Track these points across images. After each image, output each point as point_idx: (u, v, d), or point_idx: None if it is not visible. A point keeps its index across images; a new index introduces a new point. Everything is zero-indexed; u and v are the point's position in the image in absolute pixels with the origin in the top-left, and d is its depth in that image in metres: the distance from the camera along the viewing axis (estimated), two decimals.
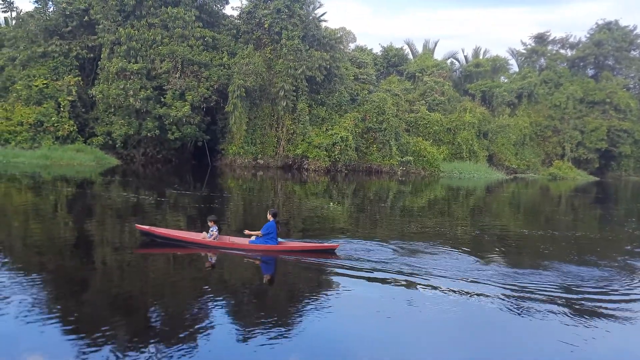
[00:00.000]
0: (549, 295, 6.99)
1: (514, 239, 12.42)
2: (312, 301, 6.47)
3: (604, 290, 7.47)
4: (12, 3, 36.76)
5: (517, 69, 56.00)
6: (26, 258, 8.02)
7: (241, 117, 33.37)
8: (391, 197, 22.92)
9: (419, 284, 7.33)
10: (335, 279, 7.60)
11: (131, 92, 30.93)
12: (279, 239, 9.11)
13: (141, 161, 33.49)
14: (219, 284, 7.31)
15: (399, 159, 36.91)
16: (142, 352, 4.65)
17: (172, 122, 31.85)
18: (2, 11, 37.34)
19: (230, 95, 32.74)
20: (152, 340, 4.95)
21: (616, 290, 7.50)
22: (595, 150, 50.54)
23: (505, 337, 5.81)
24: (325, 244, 9.28)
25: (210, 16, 36.44)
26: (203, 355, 4.69)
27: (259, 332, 5.30)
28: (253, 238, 9.04)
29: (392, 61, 50.76)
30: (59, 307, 5.74)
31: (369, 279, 7.53)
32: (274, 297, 6.96)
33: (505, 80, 53.45)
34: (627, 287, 7.71)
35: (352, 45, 48.45)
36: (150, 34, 32.39)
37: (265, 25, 34.64)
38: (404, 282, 7.38)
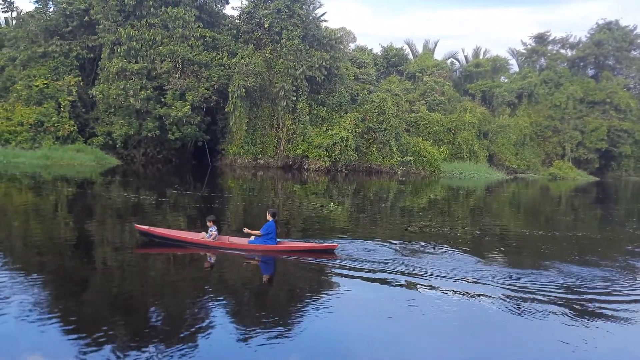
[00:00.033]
0: (549, 296, 6.99)
1: (514, 239, 12.41)
2: (312, 301, 6.47)
3: (606, 290, 7.46)
4: (13, 3, 36.80)
5: (517, 69, 56.02)
6: (27, 258, 8.02)
7: (241, 117, 33.37)
8: (391, 197, 22.91)
9: (420, 284, 7.33)
10: (335, 279, 7.60)
11: (131, 92, 30.93)
12: (278, 239, 9.11)
13: (141, 161, 33.50)
14: (219, 284, 7.31)
15: (399, 159, 36.91)
16: (143, 352, 4.65)
17: (173, 122, 31.86)
18: (3, 11, 37.41)
19: (230, 95, 32.74)
20: (152, 340, 4.95)
21: (617, 291, 7.50)
22: (596, 151, 50.54)
23: (505, 337, 5.81)
24: (324, 244, 9.28)
25: (210, 16, 36.45)
26: (203, 355, 4.69)
27: (259, 332, 5.30)
28: (252, 238, 9.04)
29: (392, 61, 50.75)
30: (59, 307, 5.74)
31: (370, 279, 7.52)
32: (274, 297, 6.96)
33: (506, 80, 53.45)
34: (629, 288, 7.71)
35: (352, 45, 48.49)
36: (150, 34, 32.39)
37: (266, 25, 34.64)
38: (404, 282, 7.38)
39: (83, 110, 32.79)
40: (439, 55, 53.89)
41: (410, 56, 52.93)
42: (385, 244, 10.03)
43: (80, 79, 32.73)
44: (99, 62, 33.02)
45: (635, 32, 53.22)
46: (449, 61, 53.17)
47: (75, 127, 31.11)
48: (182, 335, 5.11)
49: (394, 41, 66.03)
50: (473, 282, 7.52)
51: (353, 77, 39.60)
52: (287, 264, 8.62)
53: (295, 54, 34.06)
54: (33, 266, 7.44)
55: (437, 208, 19.08)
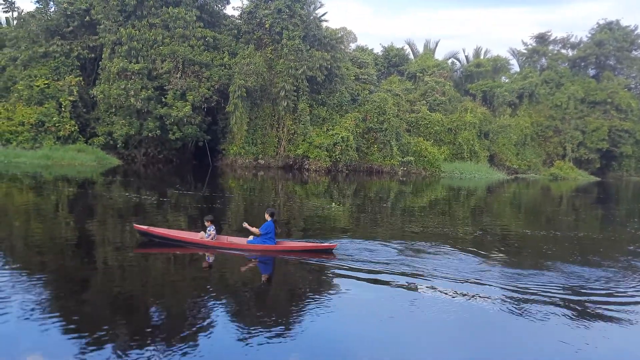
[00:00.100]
0: (551, 296, 6.97)
1: (515, 239, 12.39)
2: (313, 301, 6.46)
3: (608, 291, 7.44)
4: (14, 3, 36.84)
5: (518, 69, 55.98)
6: (27, 258, 8.02)
7: (242, 117, 33.37)
8: (392, 197, 22.90)
9: (420, 284, 7.31)
10: (336, 278, 7.59)
11: (132, 92, 30.95)
12: (277, 239, 9.10)
13: (142, 161, 33.52)
14: (218, 284, 7.31)
15: (399, 159, 36.89)
16: (143, 352, 4.64)
17: (173, 122, 31.87)
18: (4, 11, 37.46)
19: (231, 95, 32.75)
20: (152, 340, 4.95)
21: (619, 291, 7.48)
22: (597, 151, 50.49)
23: (506, 337, 5.80)
24: (324, 244, 9.26)
25: (211, 16, 36.46)
26: (204, 355, 4.69)
27: (259, 332, 5.29)
28: (251, 238, 9.05)
29: (392, 61, 50.73)
30: (60, 306, 5.74)
31: (370, 279, 7.52)
32: (274, 296, 6.96)
33: (506, 80, 53.41)
34: (631, 288, 7.68)
35: (352, 45, 48.45)
36: (151, 34, 32.41)
37: (266, 26, 34.65)
38: (404, 282, 7.37)
39: (84, 110, 32.81)
40: (439, 55, 53.99)
41: (411, 56, 52.91)
42: (386, 244, 10.02)
43: (81, 79, 32.76)
44: (100, 62, 33.04)
45: (636, 32, 53.17)
46: (449, 61, 53.18)
47: (76, 127, 31.13)
48: (182, 335, 5.11)
49: (395, 41, 66.14)
50: (474, 282, 7.51)
51: (354, 77, 39.60)
52: (287, 264, 8.61)
53: (295, 54, 34.05)
54: (34, 266, 7.45)
55: (438, 208, 19.06)
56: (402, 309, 6.31)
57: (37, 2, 34.06)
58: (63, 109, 30.90)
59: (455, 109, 44.55)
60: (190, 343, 4.92)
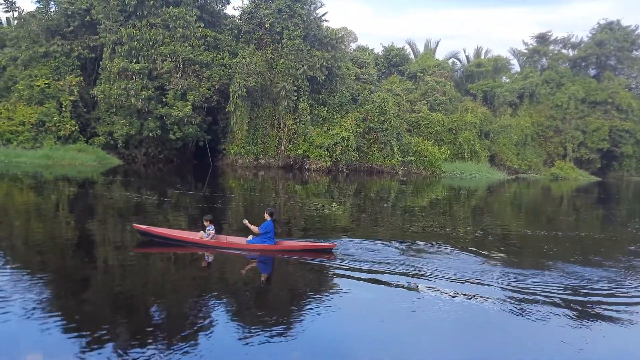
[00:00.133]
0: (552, 296, 6.96)
1: (516, 239, 12.38)
2: (313, 301, 6.46)
3: (609, 291, 7.42)
4: (14, 3, 36.85)
5: (518, 69, 55.96)
6: (28, 257, 8.02)
7: (242, 117, 33.37)
8: (393, 197, 22.89)
9: (421, 284, 7.30)
10: (336, 278, 7.58)
11: (133, 92, 30.95)
12: (276, 239, 9.10)
13: (143, 161, 33.52)
14: (218, 284, 7.31)
15: (400, 159, 36.87)
16: (143, 351, 4.64)
17: (174, 122, 31.86)
18: (4, 11, 37.47)
19: (231, 95, 32.75)
20: (152, 339, 4.94)
21: (621, 291, 7.46)
22: (597, 151, 50.45)
23: (507, 337, 5.78)
24: (323, 244, 9.25)
25: (211, 16, 36.46)
26: (204, 354, 4.68)
27: (259, 332, 5.28)
28: (250, 237, 9.05)
29: (393, 61, 50.72)
30: (60, 306, 5.74)
31: (370, 279, 7.51)
32: (275, 296, 6.95)
33: (507, 80, 53.38)
34: (633, 288, 7.66)
35: (353, 45, 48.46)
36: (151, 33, 32.41)
37: (267, 25, 34.64)
38: (405, 282, 7.36)
39: (84, 110, 32.82)
40: (440, 55, 53.96)
41: (412, 56, 52.90)
42: (386, 243, 10.01)
43: (81, 78, 32.76)
44: (101, 62, 33.04)
45: (636, 32, 53.13)
46: (450, 61, 53.15)
47: (76, 127, 31.14)
48: (182, 334, 5.10)
49: (395, 41, 66.15)
50: (475, 282, 7.49)
51: (354, 77, 39.58)
52: (287, 263, 8.60)
53: (296, 53, 34.05)
54: (34, 265, 7.44)
55: (438, 208, 19.05)
56: (402, 309, 6.30)
57: (37, 2, 34.11)
58: (63, 109, 30.91)
59: (455, 109, 44.53)
60: (191, 342, 4.92)
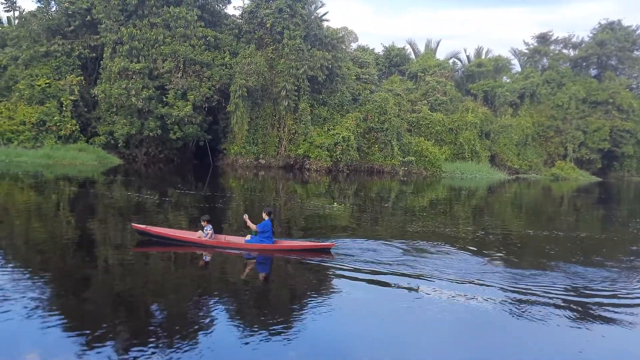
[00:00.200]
0: (554, 297, 6.94)
1: (517, 239, 12.36)
2: (313, 300, 6.44)
3: (611, 292, 7.40)
4: (15, 2, 36.85)
5: (519, 69, 55.90)
6: (29, 256, 8.02)
7: (243, 117, 33.36)
8: (393, 197, 22.87)
9: (421, 284, 7.29)
10: (336, 278, 7.57)
11: (133, 92, 30.95)
12: (275, 238, 9.09)
13: (143, 161, 33.53)
14: (217, 283, 7.30)
15: (400, 159, 36.84)
16: (143, 350, 4.63)
17: (174, 122, 31.86)
18: (5, 10, 37.51)
19: (232, 95, 32.74)
20: (152, 338, 4.93)
21: (623, 292, 7.44)
22: (598, 151, 50.40)
23: (509, 338, 5.77)
24: (321, 243, 9.24)
25: (212, 16, 36.45)
26: (204, 354, 4.67)
27: (259, 331, 5.27)
28: (249, 237, 9.04)
29: (394, 61, 50.69)
30: (60, 305, 5.73)
31: (371, 279, 7.49)
32: (274, 296, 6.94)
33: (508, 80, 53.34)
34: (636, 289, 7.64)
35: (354, 45, 48.41)
36: (152, 33, 32.40)
37: (267, 25, 34.63)
38: (405, 282, 7.35)
39: (85, 109, 32.82)
40: (441, 55, 53.84)
41: (412, 56, 52.87)
42: (387, 243, 10.00)
43: (82, 78, 32.76)
44: (101, 62, 33.05)
45: (637, 32, 53.07)
46: (451, 61, 53.09)
47: (77, 127, 31.14)
48: (181, 333, 5.09)
49: (396, 41, 66.15)
50: (476, 282, 7.48)
51: (355, 77, 39.56)
52: (287, 263, 8.59)
53: (297, 53, 34.03)
54: (35, 264, 7.44)
55: (439, 208, 19.03)
56: (402, 309, 6.29)
57: (38, 1, 34.10)
58: (64, 109, 30.91)
59: (456, 108, 44.49)
60: (191, 341, 4.91)
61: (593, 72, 55.34)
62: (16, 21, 37.23)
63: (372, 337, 5.45)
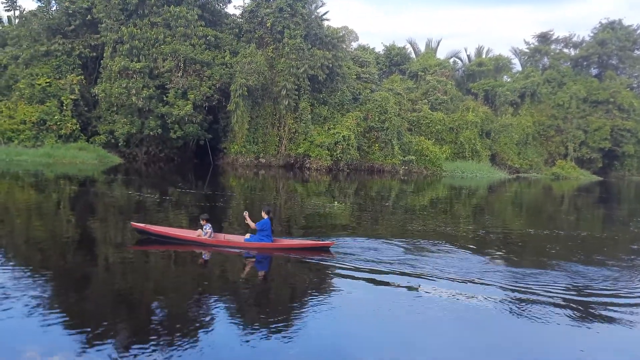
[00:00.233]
0: (555, 296, 6.92)
1: (519, 238, 12.34)
2: (313, 299, 6.43)
3: (613, 290, 7.38)
4: (15, 2, 36.85)
5: (520, 68, 55.87)
6: (29, 255, 8.02)
7: (243, 116, 33.35)
8: (393, 196, 22.86)
9: (422, 283, 7.28)
10: (336, 277, 7.56)
11: (134, 91, 30.95)
12: (274, 237, 9.09)
13: (143, 160, 33.53)
14: (217, 282, 7.29)
15: (401, 158, 36.83)
16: (143, 348, 4.62)
17: (175, 121, 31.86)
18: (6, 10, 37.51)
19: (232, 94, 32.73)
20: (152, 337, 4.92)
21: (625, 291, 7.42)
22: (599, 150, 50.37)
23: (510, 337, 5.75)
24: (320, 242, 9.23)
25: (212, 15, 36.44)
26: (204, 352, 4.66)
27: (258, 331, 5.27)
28: (248, 236, 9.04)
29: (394, 60, 50.66)
30: (61, 303, 5.73)
31: (371, 278, 7.48)
32: (274, 294, 6.93)
33: (508, 80, 53.30)
34: (637, 288, 7.62)
35: (354, 44, 48.45)
36: (152, 32, 32.40)
37: (268, 24, 34.61)
38: (406, 281, 7.33)
39: (85, 108, 32.83)
40: (441, 54, 53.82)
41: (413, 55, 52.85)
42: (387, 242, 9.99)
43: (82, 77, 32.77)
44: (102, 61, 33.05)
45: (638, 32, 53.05)
46: (451, 60, 53.06)
47: (77, 126, 31.16)
48: (181, 331, 5.09)
49: (397, 40, 66.10)
50: (477, 281, 7.47)
51: (355, 76, 39.53)
52: (287, 262, 8.58)
53: (297, 52, 34.02)
54: (36, 263, 7.44)
55: (439, 207, 19.02)
56: (403, 308, 6.28)
57: (38, 0, 34.11)
58: (64, 108, 30.93)
59: (457, 108, 44.47)
60: (190, 339, 4.90)
61: (594, 71, 55.31)
62: (17, 20, 37.24)
63: (373, 336, 5.44)
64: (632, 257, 10.16)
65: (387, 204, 19.14)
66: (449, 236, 11.33)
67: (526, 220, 16.94)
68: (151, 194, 16.82)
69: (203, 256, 8.66)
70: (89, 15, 32.90)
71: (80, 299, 6.04)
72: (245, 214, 9.09)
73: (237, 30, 36.18)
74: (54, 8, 34.29)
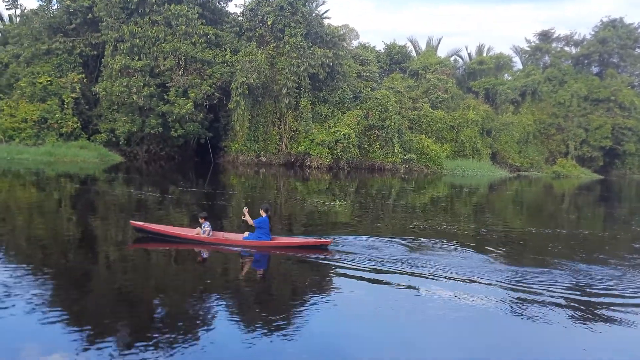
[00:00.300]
0: (557, 295, 6.91)
1: (520, 237, 12.34)
2: (314, 298, 6.44)
3: (615, 290, 7.37)
4: (17, 0, 36.81)
5: (520, 67, 55.73)
6: (30, 253, 8.03)
7: (244, 115, 33.33)
8: (394, 194, 22.85)
9: (423, 282, 7.27)
10: (337, 276, 7.56)
11: (134, 90, 30.93)
12: (273, 235, 9.09)
13: (144, 158, 33.53)
14: (216, 281, 7.30)
15: (401, 156, 36.79)
16: (143, 346, 4.63)
17: (175, 120, 31.84)
18: (7, 8, 37.45)
19: (233, 92, 32.70)
20: (153, 334, 4.93)
21: (628, 290, 7.40)
22: (600, 148, 50.27)
23: (511, 337, 5.75)
24: (319, 240, 9.22)
25: (213, 13, 36.39)
26: (205, 351, 4.67)
27: (257, 330, 5.27)
28: (246, 234, 9.04)
29: (395, 58, 50.57)
30: (61, 301, 5.73)
31: (372, 277, 7.48)
32: (274, 293, 6.93)
33: (509, 78, 53.18)
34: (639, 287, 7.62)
35: (355, 43, 48.37)
36: (153, 31, 32.35)
37: (268, 23, 34.56)
38: (407, 280, 7.33)
39: (86, 107, 32.83)
40: (442, 52, 53.66)
41: (414, 53, 52.74)
42: (388, 241, 9.98)
43: (83, 76, 32.75)
44: (102, 59, 33.01)
45: (639, 30, 52.84)
46: (452, 58, 52.91)
47: (78, 124, 31.15)
48: (182, 329, 5.09)
49: (397, 38, 65.97)
50: (478, 280, 7.46)
51: (356, 75, 39.48)
52: (287, 260, 8.58)
53: (297, 51, 33.97)
54: (36, 261, 7.44)
55: (440, 205, 19.01)
56: (404, 307, 6.28)
57: None
58: (65, 106, 30.92)
59: (457, 106, 44.39)
60: (190, 337, 4.90)
61: (595, 69, 55.15)
62: (18, 19, 37.22)
63: (373, 334, 5.44)
64: (634, 255, 10.15)
65: (387, 202, 19.13)
66: (450, 235, 11.32)
67: (527, 218, 16.92)
68: (152, 193, 16.83)
69: (202, 254, 8.66)
70: (89, 14, 32.86)
71: (80, 297, 6.05)
72: (245, 209, 9.09)
73: (237, 28, 36.12)
74: (55, 7, 34.25)
